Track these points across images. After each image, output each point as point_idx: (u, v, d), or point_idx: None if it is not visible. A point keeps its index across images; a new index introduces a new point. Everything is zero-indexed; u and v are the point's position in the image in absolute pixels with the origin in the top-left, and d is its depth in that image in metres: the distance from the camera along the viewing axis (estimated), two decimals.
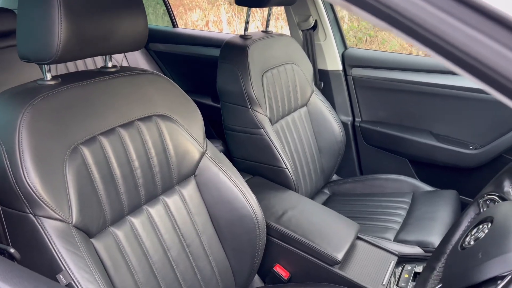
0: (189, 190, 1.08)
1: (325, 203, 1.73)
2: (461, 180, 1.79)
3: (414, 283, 1.11)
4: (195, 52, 2.28)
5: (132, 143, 0.94)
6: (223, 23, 5.37)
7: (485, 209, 0.74)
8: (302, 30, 1.89)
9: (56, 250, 0.72)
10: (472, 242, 0.61)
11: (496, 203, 0.73)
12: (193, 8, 5.68)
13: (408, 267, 1.19)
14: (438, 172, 1.83)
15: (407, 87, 1.84)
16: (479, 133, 1.74)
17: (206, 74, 2.15)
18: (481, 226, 0.63)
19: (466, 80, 1.71)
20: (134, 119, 0.95)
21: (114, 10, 0.87)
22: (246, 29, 1.54)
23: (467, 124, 1.76)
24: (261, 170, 1.44)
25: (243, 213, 1.10)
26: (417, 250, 1.29)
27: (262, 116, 1.42)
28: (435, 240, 1.31)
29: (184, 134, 1.05)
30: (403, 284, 1.11)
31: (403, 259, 1.24)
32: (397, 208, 1.57)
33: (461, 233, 0.79)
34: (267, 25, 1.66)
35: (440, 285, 0.71)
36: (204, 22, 5.51)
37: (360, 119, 1.97)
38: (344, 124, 1.92)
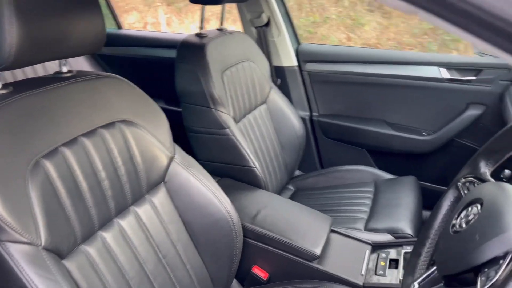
0: (160, 198, 1.02)
1: (291, 199, 1.73)
2: (418, 165, 1.87)
3: (391, 270, 1.13)
4: (144, 54, 2.19)
5: (96, 153, 0.87)
6: (161, 24, 5.24)
7: (466, 192, 0.76)
8: (255, 27, 1.88)
9: (27, 277, 0.64)
10: (464, 225, 0.62)
11: (475, 185, 0.75)
12: (129, 11, 5.49)
13: (383, 254, 1.21)
14: (395, 160, 1.90)
15: (360, 79, 1.88)
16: (431, 119, 1.82)
17: (158, 76, 2.07)
18: (470, 209, 0.64)
19: (414, 69, 1.79)
20: (96, 126, 0.88)
21: (69, 10, 0.80)
22: (201, 27, 1.50)
23: (419, 112, 1.84)
24: (229, 171, 1.41)
25: (218, 217, 1.06)
26: (388, 237, 1.32)
27: (226, 115, 1.38)
28: (404, 226, 1.35)
29: (151, 140, 1.00)
30: (381, 272, 1.13)
31: (376, 247, 1.26)
32: (362, 198, 1.60)
33: (442, 217, 0.81)
34: (221, 23, 1.63)
35: (434, 268, 0.72)
36: (142, 24, 5.35)
37: (317, 113, 2.00)
38: (302, 119, 1.94)
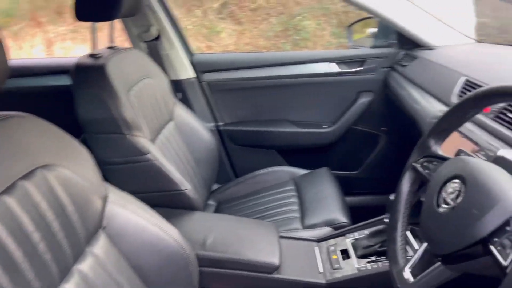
0: (103, 247, 0.87)
1: None
2: (326, 156, 1.98)
3: (345, 261, 1.16)
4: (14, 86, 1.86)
5: (23, 211, 0.69)
6: None
7: (427, 171, 0.81)
8: (145, 42, 1.75)
9: None
10: (451, 202, 0.66)
11: (435, 163, 0.81)
12: None
13: (331, 248, 1.23)
14: (304, 155, 1.98)
15: (258, 83, 1.92)
16: (329, 112, 1.94)
17: (39, 108, 1.78)
18: (450, 185, 0.68)
19: (307, 67, 1.89)
20: (15, 179, 0.71)
21: None
22: (95, 47, 1.33)
23: (317, 107, 1.95)
24: (158, 199, 1.28)
25: (170, 252, 0.95)
26: (328, 230, 1.36)
27: (143, 139, 1.25)
28: (338, 215, 1.41)
29: (79, 182, 0.84)
30: (337, 266, 1.15)
31: (321, 243, 1.28)
32: (287, 197, 1.62)
33: (406, 198, 0.85)
34: (111, 40, 1.48)
35: (423, 250, 0.75)
36: None
37: (223, 123, 1.96)
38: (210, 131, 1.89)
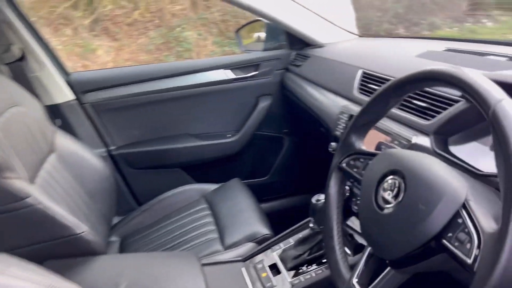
0: None
1: (122, 252, 1.46)
2: (234, 167, 1.89)
3: (276, 277, 1.08)
4: None
5: None
6: None
7: (355, 170, 0.76)
8: (6, 64, 1.47)
9: None
10: (392, 201, 0.61)
11: (361, 160, 0.76)
12: None
13: (258, 265, 1.14)
14: (212, 169, 1.87)
15: (150, 98, 1.76)
16: (231, 120, 1.87)
17: None
18: (388, 183, 0.62)
19: (202, 76, 1.79)
20: None
21: None
22: None
23: (217, 116, 1.86)
24: (49, 251, 1.04)
25: None
26: (251, 246, 1.26)
27: (18, 181, 1.01)
28: (259, 228, 1.33)
29: None
30: (269, 284, 1.06)
31: (247, 261, 1.18)
32: (202, 218, 1.49)
33: (336, 203, 0.79)
34: None
35: (366, 258, 0.69)
36: None
37: (115, 146, 1.75)
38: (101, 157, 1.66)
